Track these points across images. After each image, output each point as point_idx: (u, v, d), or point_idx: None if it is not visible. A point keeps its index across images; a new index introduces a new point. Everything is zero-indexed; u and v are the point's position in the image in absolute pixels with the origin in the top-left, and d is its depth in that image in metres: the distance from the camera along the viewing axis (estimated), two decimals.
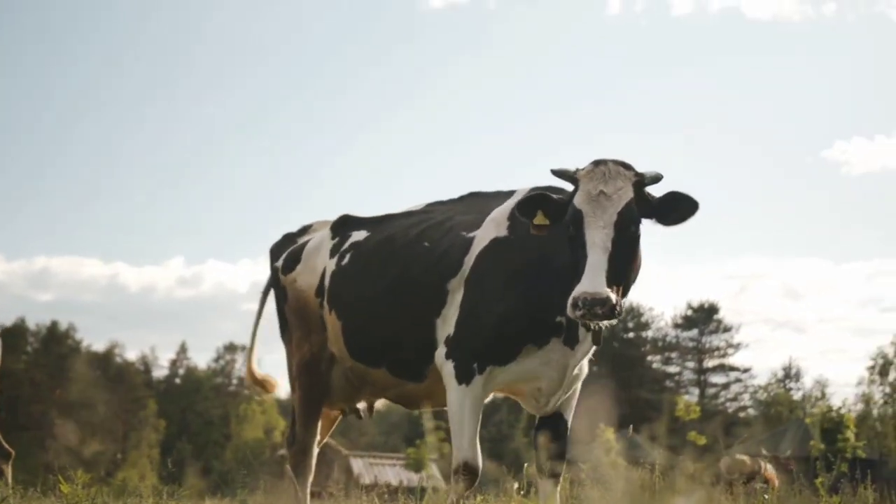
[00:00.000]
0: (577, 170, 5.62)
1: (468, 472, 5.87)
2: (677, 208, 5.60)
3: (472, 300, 6.04)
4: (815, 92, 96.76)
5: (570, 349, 5.90)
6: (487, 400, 6.20)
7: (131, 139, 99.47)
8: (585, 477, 6.31)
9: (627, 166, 5.60)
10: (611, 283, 5.20)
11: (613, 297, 5.11)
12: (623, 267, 5.39)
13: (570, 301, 5.13)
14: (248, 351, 8.08)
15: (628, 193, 5.48)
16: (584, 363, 6.07)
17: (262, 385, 8.13)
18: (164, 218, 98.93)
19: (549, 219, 5.64)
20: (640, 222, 5.52)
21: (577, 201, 5.46)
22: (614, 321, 5.26)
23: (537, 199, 5.70)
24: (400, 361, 6.50)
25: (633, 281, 5.72)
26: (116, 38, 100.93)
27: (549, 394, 6.01)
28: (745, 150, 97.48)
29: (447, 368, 6.03)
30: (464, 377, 5.92)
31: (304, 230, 7.73)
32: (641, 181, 5.58)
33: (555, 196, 5.70)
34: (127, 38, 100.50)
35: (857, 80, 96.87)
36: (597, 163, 5.60)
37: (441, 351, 6.10)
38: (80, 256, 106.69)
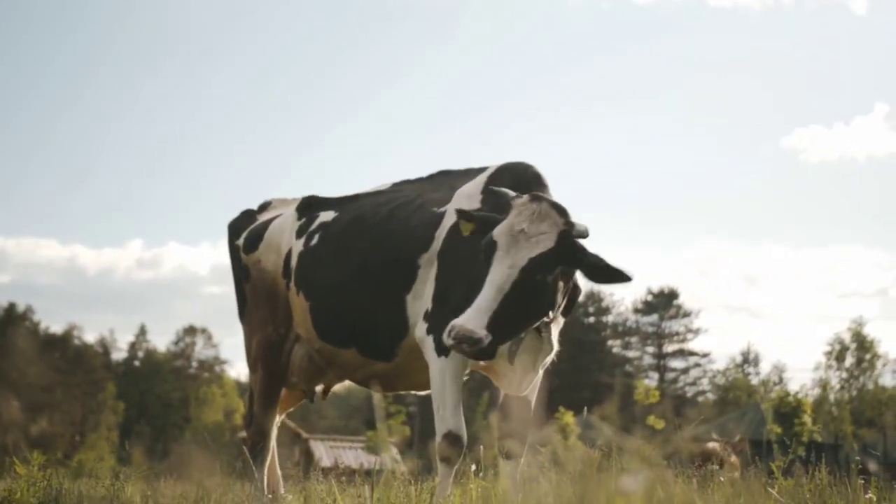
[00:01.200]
0: (514, 197, 5.58)
1: (453, 441, 5.87)
2: (611, 278, 5.54)
3: (447, 273, 6.04)
4: (775, 80, 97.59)
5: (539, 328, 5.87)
6: (466, 374, 6.20)
7: (91, 121, 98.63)
8: (544, 460, 6.32)
9: (562, 212, 5.47)
10: (495, 323, 5.11)
11: (486, 337, 5.01)
12: (516, 310, 5.25)
13: (447, 327, 5.13)
14: None
15: (549, 241, 5.33)
16: (556, 344, 6.05)
17: None
18: (124, 200, 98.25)
19: (474, 231, 5.65)
20: (552, 272, 5.38)
21: (497, 231, 5.39)
22: (483, 359, 5.30)
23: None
24: (370, 341, 6.48)
25: (537, 319, 5.57)
26: (86, 25, 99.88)
27: (523, 374, 6.00)
28: (705, 137, 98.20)
29: (427, 343, 6.03)
30: (443, 350, 5.91)
31: (264, 207, 7.67)
32: (569, 232, 5.42)
33: (490, 215, 5.67)
34: (97, 26, 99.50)
35: (816, 68, 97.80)
36: (533, 198, 5.51)
37: (422, 326, 6.09)
38: (37, 237, 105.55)
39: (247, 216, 7.67)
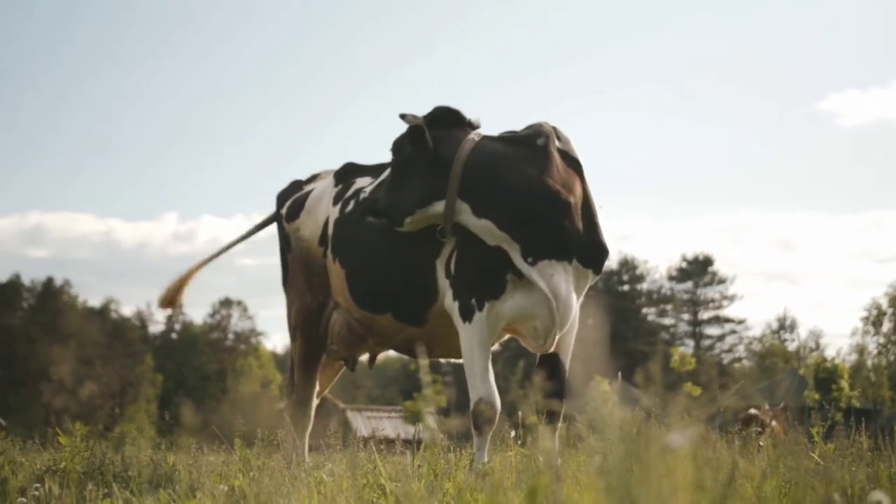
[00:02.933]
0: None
1: (485, 408, 5.89)
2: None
3: (464, 237, 6.05)
4: (809, 44, 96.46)
5: (549, 288, 5.88)
6: (497, 346, 6.22)
7: (125, 96, 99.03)
8: (582, 427, 6.32)
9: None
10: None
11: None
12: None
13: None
14: (203, 262, 7.91)
15: None
16: (574, 306, 6.05)
17: (171, 301, 8.00)
18: (159, 173, 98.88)
19: None
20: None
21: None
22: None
23: None
24: (404, 306, 6.50)
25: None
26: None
27: (546, 331, 6.01)
28: (739, 103, 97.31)
29: (454, 310, 6.08)
30: (467, 315, 5.98)
31: (314, 178, 7.66)
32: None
33: None
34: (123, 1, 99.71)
35: (850, 31, 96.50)
36: None
37: (449, 293, 6.13)
38: (73, 212, 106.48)
39: (294, 186, 7.70)
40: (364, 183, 6.95)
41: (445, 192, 5.91)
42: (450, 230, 5.95)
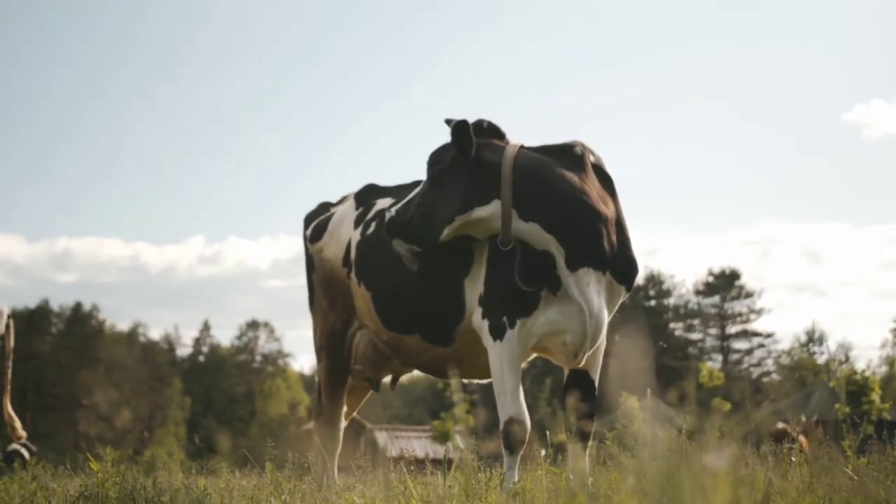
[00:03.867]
0: None
1: (516, 428, 5.86)
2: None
3: (497, 255, 6.02)
4: (836, 55, 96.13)
5: (584, 298, 5.89)
6: (525, 363, 6.20)
7: (149, 118, 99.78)
8: (612, 444, 6.29)
9: None
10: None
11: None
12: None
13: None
14: None
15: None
16: (605, 321, 6.05)
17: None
18: (184, 196, 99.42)
19: None
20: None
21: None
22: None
23: None
24: (432, 326, 6.48)
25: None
26: (133, 14, 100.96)
27: (576, 346, 6.00)
28: (764, 114, 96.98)
29: (484, 328, 6.03)
30: (497, 333, 5.94)
31: (343, 200, 7.66)
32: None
33: None
34: (143, 14, 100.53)
35: (877, 42, 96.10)
36: None
37: (478, 312, 6.09)
38: (101, 237, 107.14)
39: (322, 208, 7.73)
40: (385, 204, 6.93)
41: (487, 198, 5.88)
42: (510, 238, 5.86)
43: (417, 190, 6.19)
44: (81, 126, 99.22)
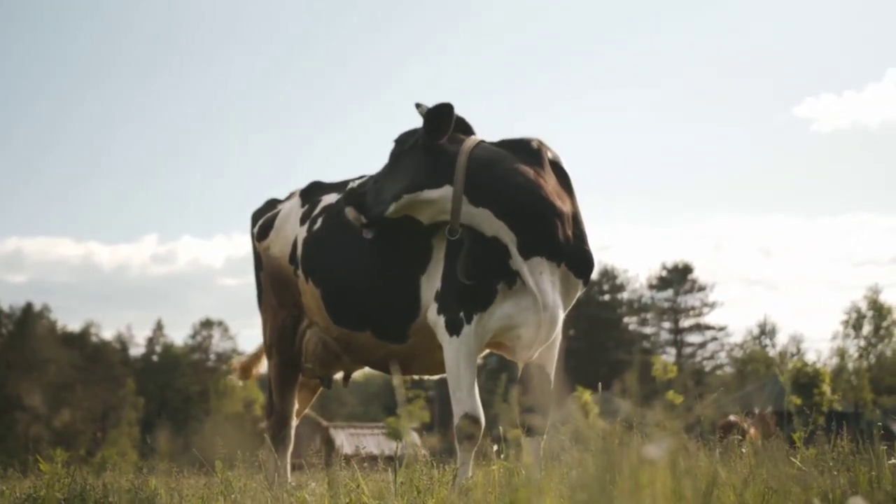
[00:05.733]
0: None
1: (471, 423, 5.86)
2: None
3: (455, 252, 6.01)
4: (785, 50, 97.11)
5: (538, 288, 5.90)
6: (480, 358, 6.20)
7: (101, 118, 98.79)
8: (565, 438, 6.31)
9: None
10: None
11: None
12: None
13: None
14: None
15: None
16: (560, 315, 6.07)
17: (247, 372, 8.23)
18: (137, 195, 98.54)
19: None
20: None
21: None
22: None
23: None
24: (385, 322, 6.46)
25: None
26: (97, 23, 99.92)
27: (530, 339, 6.01)
28: (716, 110, 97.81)
29: (440, 324, 6.01)
30: (454, 329, 5.93)
31: (290, 197, 7.64)
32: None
33: None
34: (107, 22, 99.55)
35: (826, 37, 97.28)
36: None
37: (433, 308, 6.07)
38: (52, 237, 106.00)
39: (269, 205, 7.70)
40: (330, 200, 6.95)
41: (438, 182, 5.90)
42: (458, 226, 5.90)
43: (378, 171, 6.24)
44: (31, 125, 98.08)
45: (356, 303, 6.56)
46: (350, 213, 6.19)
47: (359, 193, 6.22)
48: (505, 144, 6.13)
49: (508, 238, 5.84)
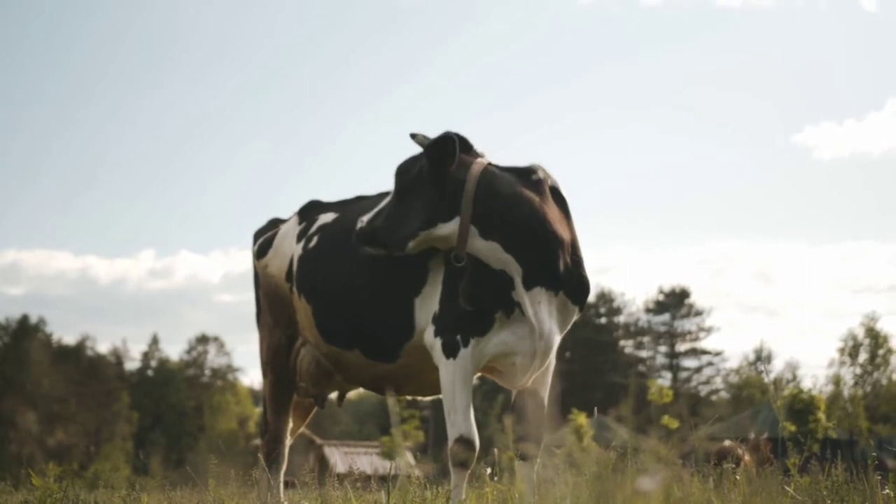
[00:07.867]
0: None
1: (465, 445, 5.84)
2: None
3: (455, 275, 6.00)
4: (786, 77, 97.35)
5: (535, 318, 5.92)
6: (475, 378, 6.19)
7: (100, 132, 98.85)
8: (559, 462, 6.31)
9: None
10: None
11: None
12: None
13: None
14: None
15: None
16: (555, 343, 6.08)
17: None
18: (135, 210, 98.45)
19: None
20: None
21: None
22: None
23: None
24: (375, 343, 6.45)
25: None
26: (94, 33, 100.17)
27: (525, 367, 6.02)
28: (716, 136, 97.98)
29: (436, 346, 6.01)
30: (451, 351, 5.93)
31: (292, 217, 7.66)
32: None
33: None
34: (105, 33, 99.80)
35: (827, 65, 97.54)
36: None
37: (430, 330, 6.07)
38: (50, 249, 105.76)
39: (271, 224, 7.72)
40: (327, 219, 6.97)
41: (450, 215, 5.90)
42: (464, 254, 5.88)
43: (386, 200, 6.21)
44: (30, 137, 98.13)
45: (346, 320, 6.56)
46: (368, 252, 6.17)
47: (368, 232, 6.15)
48: (511, 169, 6.15)
49: (515, 271, 5.87)
